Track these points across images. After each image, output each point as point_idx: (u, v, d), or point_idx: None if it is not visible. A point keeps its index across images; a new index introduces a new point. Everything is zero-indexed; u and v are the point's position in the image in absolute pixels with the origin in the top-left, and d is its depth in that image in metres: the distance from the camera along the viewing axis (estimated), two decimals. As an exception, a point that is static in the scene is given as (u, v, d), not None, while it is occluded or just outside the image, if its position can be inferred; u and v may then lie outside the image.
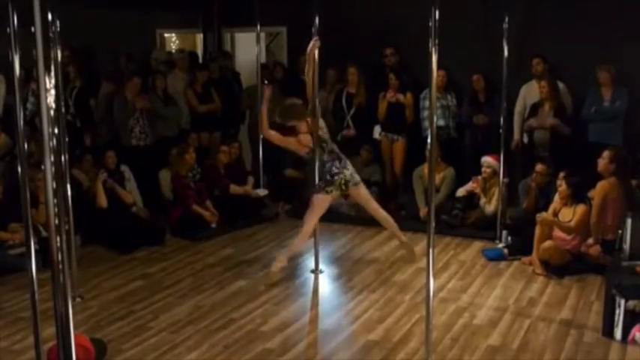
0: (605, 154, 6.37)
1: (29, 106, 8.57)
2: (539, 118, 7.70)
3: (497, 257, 6.84)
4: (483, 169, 7.65)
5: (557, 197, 6.62)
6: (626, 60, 7.57)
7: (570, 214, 6.42)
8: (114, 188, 7.54)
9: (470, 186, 7.77)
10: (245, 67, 10.80)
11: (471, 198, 7.79)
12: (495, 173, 7.47)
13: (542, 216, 6.49)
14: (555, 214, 6.55)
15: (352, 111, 8.72)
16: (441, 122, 8.30)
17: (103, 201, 7.35)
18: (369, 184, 8.48)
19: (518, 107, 8.06)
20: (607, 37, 7.65)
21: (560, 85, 7.83)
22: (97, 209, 7.31)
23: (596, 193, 6.33)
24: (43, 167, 2.40)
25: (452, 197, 7.97)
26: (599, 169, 6.37)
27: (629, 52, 7.61)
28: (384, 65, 8.80)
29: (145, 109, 8.35)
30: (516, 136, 8.06)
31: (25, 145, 3.86)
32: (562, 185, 6.47)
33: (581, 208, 6.38)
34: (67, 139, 5.52)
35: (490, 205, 7.55)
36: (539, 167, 7.20)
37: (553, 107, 7.68)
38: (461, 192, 7.87)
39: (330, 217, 7.96)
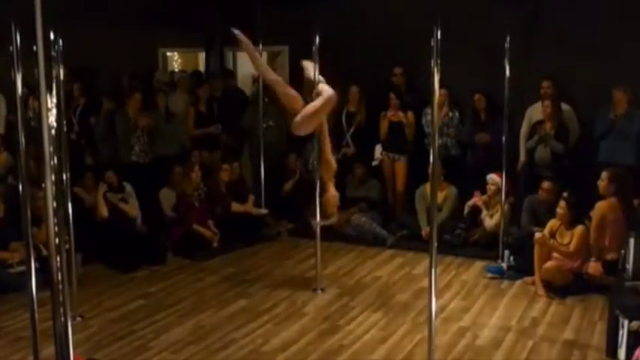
0: (604, 175, 6.37)
1: (32, 123, 8.59)
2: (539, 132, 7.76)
3: (497, 271, 6.87)
4: (488, 186, 7.66)
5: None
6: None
7: (569, 237, 6.40)
8: (116, 204, 7.55)
9: (472, 201, 7.78)
10: (247, 85, 10.83)
11: (475, 218, 7.77)
12: (500, 191, 7.45)
13: (539, 237, 6.44)
14: (552, 233, 6.52)
15: (352, 129, 8.74)
16: (439, 141, 8.29)
17: (104, 211, 7.34)
18: (366, 201, 8.48)
19: (523, 129, 8.07)
20: (613, 58, 7.68)
21: (566, 107, 7.85)
22: (98, 227, 7.30)
23: (594, 214, 6.32)
24: (43, 186, 2.40)
25: (454, 217, 7.96)
26: (600, 191, 6.36)
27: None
28: (391, 84, 8.82)
29: (146, 127, 8.37)
30: (522, 158, 8.06)
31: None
32: (563, 208, 6.45)
33: (579, 231, 6.36)
34: (68, 158, 5.54)
35: (491, 220, 7.53)
36: (545, 184, 7.19)
37: (554, 127, 7.70)
38: (466, 209, 7.87)
39: (332, 236, 7.97)
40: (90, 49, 9.47)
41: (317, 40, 6.25)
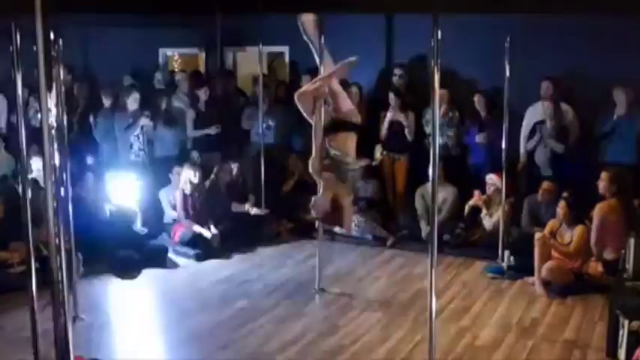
0: (604, 175, 6.37)
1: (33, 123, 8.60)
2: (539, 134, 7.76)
3: (497, 271, 6.89)
4: (488, 186, 7.65)
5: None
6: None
7: (569, 237, 6.39)
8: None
9: (472, 201, 7.78)
10: (247, 85, 10.82)
11: (475, 218, 7.77)
12: (499, 191, 7.45)
13: (539, 237, 6.44)
14: (553, 232, 6.52)
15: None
16: (440, 140, 8.29)
17: None
18: (366, 201, 8.47)
19: (523, 129, 8.06)
20: (613, 58, 7.67)
21: (566, 107, 7.85)
22: (98, 227, 7.29)
23: (595, 215, 6.31)
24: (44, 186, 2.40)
25: (454, 217, 7.96)
26: (600, 191, 6.36)
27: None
28: (391, 84, 8.82)
29: (145, 126, 8.37)
30: (522, 158, 8.06)
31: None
32: (563, 208, 6.45)
33: (579, 230, 6.36)
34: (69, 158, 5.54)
35: (491, 219, 7.53)
36: (545, 184, 7.18)
37: (554, 127, 7.70)
38: (466, 209, 7.87)
39: (333, 236, 7.97)
40: (90, 49, 9.46)
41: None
